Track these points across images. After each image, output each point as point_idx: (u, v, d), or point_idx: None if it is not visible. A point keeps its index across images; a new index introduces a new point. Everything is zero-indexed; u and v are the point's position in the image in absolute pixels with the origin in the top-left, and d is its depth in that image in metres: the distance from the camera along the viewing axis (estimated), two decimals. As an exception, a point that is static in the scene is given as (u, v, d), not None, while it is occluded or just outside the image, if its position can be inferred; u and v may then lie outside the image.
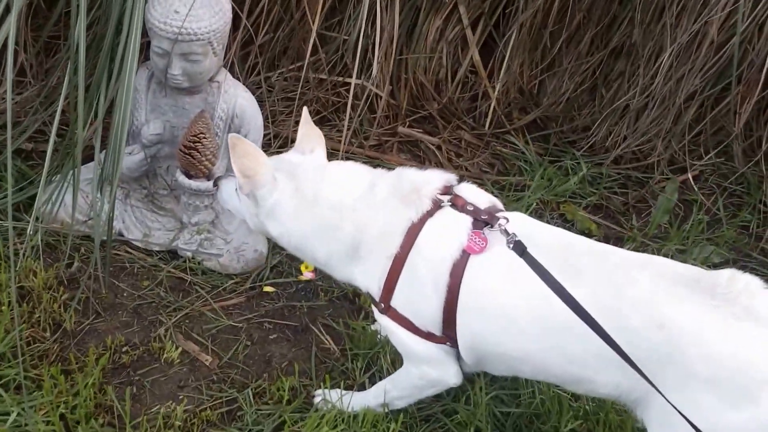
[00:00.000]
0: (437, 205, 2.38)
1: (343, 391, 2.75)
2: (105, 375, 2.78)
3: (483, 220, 2.32)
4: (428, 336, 2.42)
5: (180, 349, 2.91)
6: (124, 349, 2.88)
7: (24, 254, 2.97)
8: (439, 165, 3.93)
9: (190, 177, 3.17)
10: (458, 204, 2.37)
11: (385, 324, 2.49)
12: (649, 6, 3.88)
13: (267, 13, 3.59)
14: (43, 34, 3.55)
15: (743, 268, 3.54)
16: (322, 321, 3.12)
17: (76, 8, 2.68)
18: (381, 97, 3.94)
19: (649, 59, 3.97)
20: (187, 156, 3.11)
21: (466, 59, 4.26)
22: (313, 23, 3.49)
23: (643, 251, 3.52)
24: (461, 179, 2.49)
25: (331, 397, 2.73)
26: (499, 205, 2.45)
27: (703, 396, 2.05)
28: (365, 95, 3.78)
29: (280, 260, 3.31)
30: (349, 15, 3.78)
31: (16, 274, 2.93)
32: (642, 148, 4.12)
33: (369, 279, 2.46)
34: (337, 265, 2.52)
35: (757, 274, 3.50)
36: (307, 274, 3.28)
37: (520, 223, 2.36)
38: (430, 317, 2.39)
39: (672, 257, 3.48)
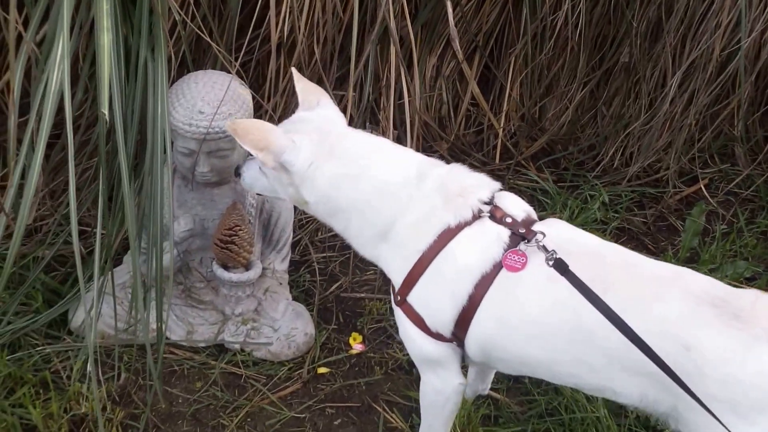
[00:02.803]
0: (477, 216, 2.16)
1: None
2: (179, 498, 2.46)
3: (520, 234, 2.11)
4: (436, 335, 2.22)
5: (249, 455, 2.59)
6: (191, 464, 2.56)
7: (72, 379, 2.63)
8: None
9: (227, 269, 2.85)
10: (497, 216, 2.15)
11: (398, 316, 2.28)
12: (645, 27, 3.60)
13: (282, 94, 3.23)
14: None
15: (775, 280, 3.36)
16: (383, 397, 2.81)
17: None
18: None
19: (650, 78, 3.69)
20: (225, 250, 2.78)
21: (466, 94, 3.95)
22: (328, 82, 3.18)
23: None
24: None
25: None
26: (534, 215, 2.23)
27: (724, 416, 1.89)
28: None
29: (328, 336, 2.99)
30: (349, 70, 3.42)
31: (66, 402, 2.59)
32: (650, 163, 3.84)
33: (393, 266, 2.24)
34: (366, 244, 2.28)
35: (789, 285, 3.35)
36: (356, 347, 2.98)
37: (555, 230, 2.16)
38: (442, 322, 2.19)
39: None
